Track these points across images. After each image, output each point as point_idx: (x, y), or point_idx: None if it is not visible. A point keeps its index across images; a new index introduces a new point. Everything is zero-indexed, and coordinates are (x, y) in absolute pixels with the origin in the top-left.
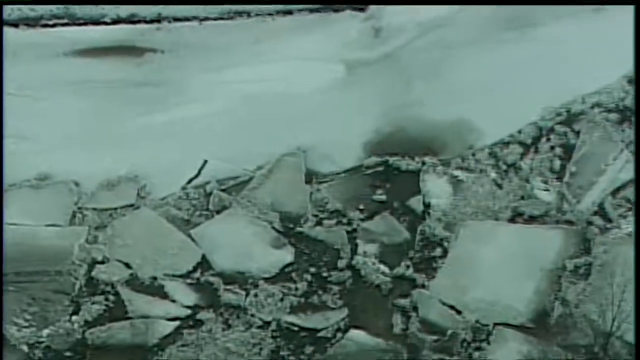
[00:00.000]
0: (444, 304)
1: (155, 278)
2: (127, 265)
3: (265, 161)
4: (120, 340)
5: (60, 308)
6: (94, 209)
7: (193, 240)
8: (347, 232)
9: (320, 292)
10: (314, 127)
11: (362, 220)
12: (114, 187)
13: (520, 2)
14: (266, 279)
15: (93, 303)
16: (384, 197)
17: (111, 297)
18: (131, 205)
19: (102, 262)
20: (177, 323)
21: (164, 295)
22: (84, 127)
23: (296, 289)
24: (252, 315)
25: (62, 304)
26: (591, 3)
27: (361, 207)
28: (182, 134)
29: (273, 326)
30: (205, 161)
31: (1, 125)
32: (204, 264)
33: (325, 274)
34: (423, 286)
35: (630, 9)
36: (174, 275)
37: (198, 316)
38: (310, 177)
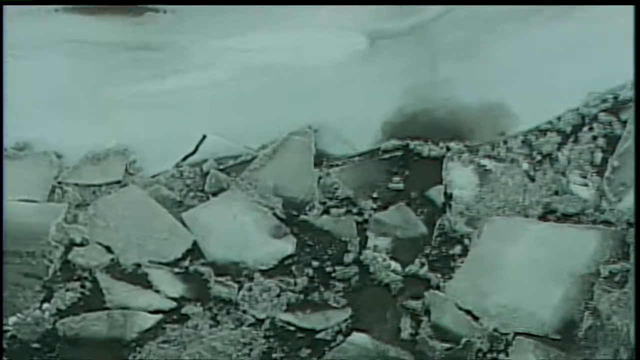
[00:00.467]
0: (460, 308)
1: (138, 265)
2: (109, 249)
3: (271, 140)
4: (94, 332)
5: (31, 294)
6: (76, 184)
7: (184, 224)
8: (357, 223)
9: (322, 289)
10: (328, 104)
11: (375, 210)
12: (100, 161)
13: (520, 2)
14: (263, 272)
15: (67, 290)
16: (401, 186)
17: (88, 284)
18: (118, 182)
19: (81, 245)
20: (159, 316)
21: (147, 285)
22: (72, 91)
23: (295, 284)
24: (244, 312)
25: (33, 289)
26: (591, 3)
27: (375, 195)
28: (180, 105)
29: (266, 325)
30: (204, 136)
31: (1, 125)
32: (194, 251)
33: (329, 269)
34: (438, 287)
35: None
36: (160, 263)
37: (183, 310)
38: (320, 159)
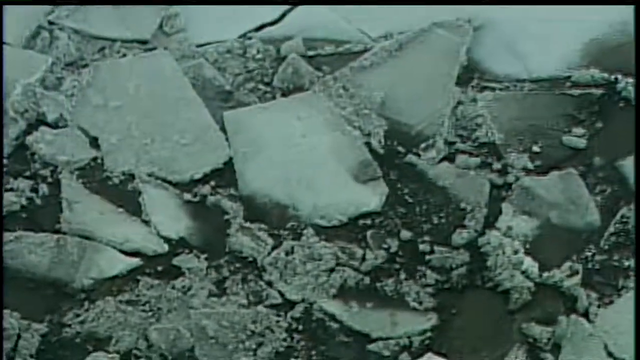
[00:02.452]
0: (609, 354)
1: (131, 176)
2: (94, 142)
3: (400, 29)
4: (30, 263)
5: None
6: (76, 31)
7: (223, 129)
8: (493, 186)
9: (403, 275)
10: None
11: (528, 172)
12: (124, 5)
13: (520, 2)
14: (320, 229)
15: (9, 189)
16: (582, 143)
17: (44, 189)
18: (143, 42)
19: (55, 125)
20: (136, 261)
21: (135, 210)
22: None
23: (364, 259)
24: (270, 284)
25: None
26: (591, 3)
27: (535, 149)
28: None
29: (298, 311)
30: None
31: (1, 126)
32: (224, 174)
33: (424, 248)
34: (586, 314)
35: None
36: (165, 181)
37: (176, 260)
38: (469, 75)
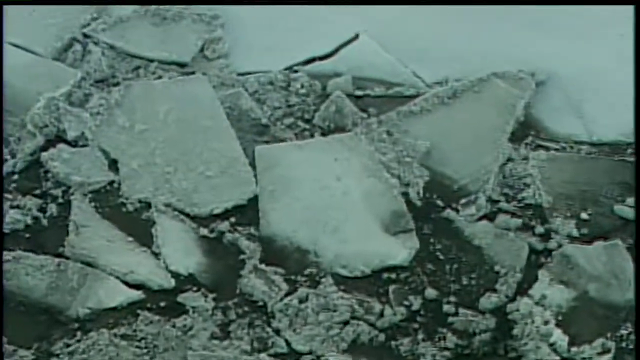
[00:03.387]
0: None
1: (148, 205)
2: (113, 165)
3: (458, 76)
4: (26, 285)
5: None
6: (111, 46)
7: (253, 164)
8: (532, 250)
9: (421, 336)
10: (581, 46)
11: (572, 240)
12: (164, 22)
13: (521, 2)
14: (339, 279)
15: (15, 207)
16: (629, 213)
17: (52, 209)
18: (181, 66)
19: (74, 144)
20: (138, 295)
21: (145, 240)
22: None
23: (382, 315)
24: (278, 332)
25: None
26: (591, 3)
27: (584, 215)
28: None
29: None
30: (356, 35)
31: (1, 124)
32: (246, 212)
33: (449, 309)
34: None
35: None
36: (182, 213)
37: (181, 297)
38: (525, 131)
